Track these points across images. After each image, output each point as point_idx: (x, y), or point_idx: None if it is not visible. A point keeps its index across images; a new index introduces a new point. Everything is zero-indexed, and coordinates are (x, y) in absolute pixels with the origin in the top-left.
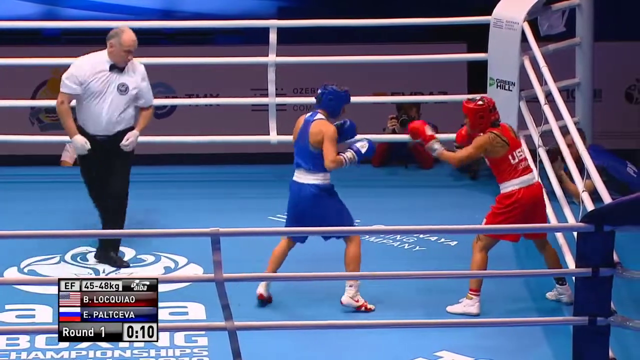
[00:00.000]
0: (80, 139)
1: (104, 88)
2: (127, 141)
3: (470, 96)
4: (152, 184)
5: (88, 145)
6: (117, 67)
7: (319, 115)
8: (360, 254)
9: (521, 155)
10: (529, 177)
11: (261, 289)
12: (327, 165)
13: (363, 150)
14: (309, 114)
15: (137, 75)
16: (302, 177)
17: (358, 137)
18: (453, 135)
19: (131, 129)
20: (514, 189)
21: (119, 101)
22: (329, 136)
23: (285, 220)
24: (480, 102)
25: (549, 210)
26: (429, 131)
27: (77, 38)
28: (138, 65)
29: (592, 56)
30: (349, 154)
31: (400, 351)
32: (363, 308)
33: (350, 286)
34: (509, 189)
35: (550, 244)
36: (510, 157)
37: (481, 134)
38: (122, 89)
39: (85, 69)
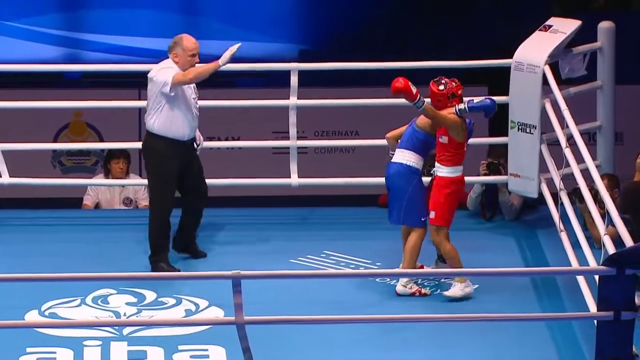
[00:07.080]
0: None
1: (190, 94)
2: (201, 143)
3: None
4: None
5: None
6: None
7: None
8: (420, 245)
9: None
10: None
11: None
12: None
13: (475, 100)
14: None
15: None
16: (395, 156)
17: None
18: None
19: None
20: (461, 174)
21: (194, 104)
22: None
23: None
24: (442, 88)
25: (571, 254)
26: (414, 89)
27: (98, 81)
28: None
29: (614, 99)
30: (461, 105)
31: None
32: (417, 293)
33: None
34: (459, 173)
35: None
36: (465, 145)
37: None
38: (196, 92)
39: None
